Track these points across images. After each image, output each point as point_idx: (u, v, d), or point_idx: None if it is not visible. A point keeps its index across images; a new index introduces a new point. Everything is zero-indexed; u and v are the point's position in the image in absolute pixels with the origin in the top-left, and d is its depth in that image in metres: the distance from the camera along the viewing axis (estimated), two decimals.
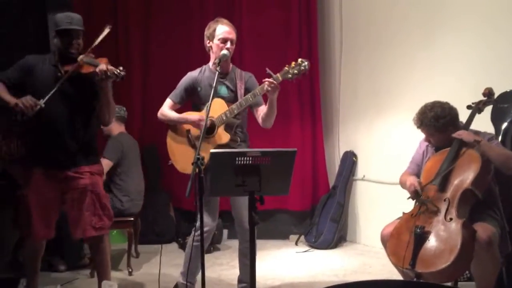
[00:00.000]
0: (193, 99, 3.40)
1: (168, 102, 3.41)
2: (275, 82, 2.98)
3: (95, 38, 3.09)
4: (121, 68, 2.97)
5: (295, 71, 2.98)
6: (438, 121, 2.98)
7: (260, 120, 3.28)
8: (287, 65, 3.03)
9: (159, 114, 3.41)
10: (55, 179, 3.08)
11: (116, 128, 4.23)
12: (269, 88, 2.99)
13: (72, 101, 3.06)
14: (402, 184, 3.16)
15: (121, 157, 4.18)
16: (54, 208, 3.15)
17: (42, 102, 2.90)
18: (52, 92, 2.91)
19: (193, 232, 3.17)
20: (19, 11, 4.73)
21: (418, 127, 3.08)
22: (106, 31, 3.10)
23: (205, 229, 3.17)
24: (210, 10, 5.31)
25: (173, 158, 3.38)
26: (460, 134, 2.91)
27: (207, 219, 3.20)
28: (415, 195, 2.95)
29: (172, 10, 5.42)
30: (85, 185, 3.09)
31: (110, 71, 2.93)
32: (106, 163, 4.07)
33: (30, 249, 3.23)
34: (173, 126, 3.40)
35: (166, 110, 3.38)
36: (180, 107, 3.45)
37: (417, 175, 3.19)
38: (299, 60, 3.03)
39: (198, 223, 3.13)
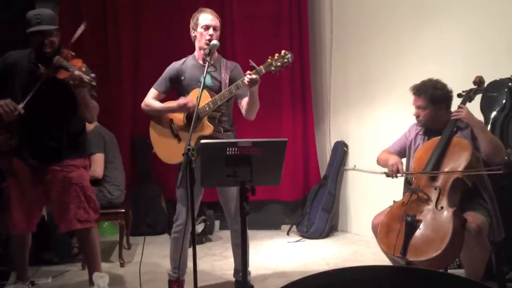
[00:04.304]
0: (177, 89, 3.38)
1: (152, 92, 3.39)
2: (255, 77, 2.96)
3: (72, 35, 3.06)
4: (93, 75, 2.90)
5: (278, 64, 2.96)
6: (435, 90, 3.02)
7: (243, 111, 3.28)
8: (270, 57, 3.00)
9: (143, 104, 3.38)
10: (39, 173, 3.06)
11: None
12: (247, 83, 2.98)
13: (53, 99, 3.03)
14: (381, 160, 3.19)
15: (105, 148, 4.16)
16: (37, 203, 3.14)
17: (21, 107, 2.87)
18: (29, 96, 2.88)
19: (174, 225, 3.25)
20: (6, 4, 4.68)
21: (414, 93, 3.09)
22: (81, 28, 3.05)
23: (180, 222, 3.24)
24: None
25: (156, 149, 3.36)
26: (460, 111, 2.94)
27: (184, 212, 3.21)
28: (393, 174, 2.98)
29: None
30: (69, 178, 3.08)
31: (79, 81, 2.84)
32: (98, 158, 4.05)
33: (15, 241, 3.23)
34: (156, 116, 3.37)
35: (150, 100, 3.36)
36: (164, 98, 3.42)
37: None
38: (283, 52, 3.00)
39: (175, 216, 3.29)
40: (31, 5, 5.03)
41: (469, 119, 2.93)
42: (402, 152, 3.27)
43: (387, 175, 3.03)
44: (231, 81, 3.23)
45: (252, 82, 2.97)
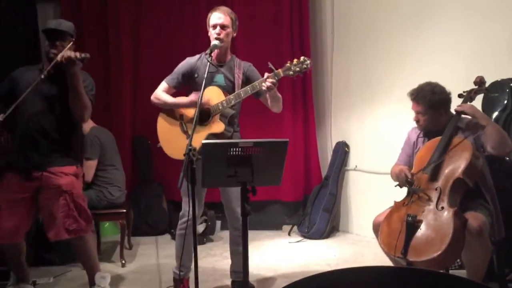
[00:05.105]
0: (189, 85, 3.32)
1: (163, 85, 3.32)
2: (274, 81, 2.95)
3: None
4: (85, 54, 2.94)
5: (297, 69, 2.95)
6: (433, 95, 3.01)
7: (268, 106, 3.26)
8: (289, 62, 2.99)
9: (152, 97, 3.31)
10: (29, 179, 3.02)
11: (86, 125, 4.06)
12: (265, 88, 2.97)
13: (49, 101, 3.04)
14: (393, 174, 3.17)
15: (102, 152, 4.17)
16: (25, 211, 3.06)
17: (2, 116, 2.85)
18: (19, 100, 2.85)
19: (179, 222, 3.23)
20: (8, 3, 4.70)
21: (413, 99, 3.08)
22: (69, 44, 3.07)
23: (185, 219, 3.16)
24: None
25: (162, 142, 3.31)
26: (463, 105, 2.94)
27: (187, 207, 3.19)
28: (404, 182, 2.95)
29: None
30: (59, 185, 3.02)
31: (70, 57, 2.89)
32: (90, 164, 4.06)
33: (7, 249, 3.15)
34: (166, 109, 3.33)
35: (161, 93, 3.29)
36: (174, 92, 3.39)
37: (408, 166, 3.19)
38: (302, 58, 2.99)
39: (180, 213, 3.24)
40: (31, 6, 5.08)
41: (473, 112, 2.91)
42: (412, 160, 3.21)
43: (400, 186, 2.98)
44: (248, 80, 3.21)
45: (270, 88, 2.96)
